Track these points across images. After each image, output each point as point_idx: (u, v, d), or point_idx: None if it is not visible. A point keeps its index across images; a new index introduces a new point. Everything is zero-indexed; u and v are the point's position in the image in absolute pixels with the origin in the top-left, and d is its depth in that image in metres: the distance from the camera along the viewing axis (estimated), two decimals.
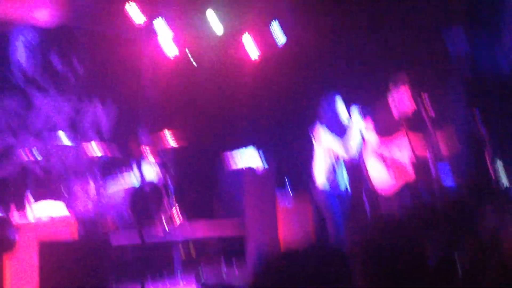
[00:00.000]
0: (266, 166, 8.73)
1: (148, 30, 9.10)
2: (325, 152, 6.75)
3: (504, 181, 4.96)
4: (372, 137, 6.97)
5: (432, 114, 6.73)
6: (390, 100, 7.07)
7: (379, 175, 7.00)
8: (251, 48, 9.74)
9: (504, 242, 1.82)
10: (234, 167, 8.79)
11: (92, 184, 7.82)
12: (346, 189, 6.81)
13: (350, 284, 2.73)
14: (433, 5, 9.30)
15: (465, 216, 3.39)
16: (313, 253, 2.44)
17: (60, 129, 8.44)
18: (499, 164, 5.74)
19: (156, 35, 8.96)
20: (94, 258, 5.91)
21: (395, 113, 7.03)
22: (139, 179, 7.78)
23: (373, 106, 7.24)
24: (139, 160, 8.15)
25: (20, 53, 8.38)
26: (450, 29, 8.96)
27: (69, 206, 7.56)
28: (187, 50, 9.48)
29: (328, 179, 6.73)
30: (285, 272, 2.23)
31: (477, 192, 3.69)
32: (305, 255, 2.38)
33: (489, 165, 7.29)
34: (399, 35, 9.56)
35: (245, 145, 9.34)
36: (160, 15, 8.83)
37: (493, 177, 5.86)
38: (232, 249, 8.23)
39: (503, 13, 8.13)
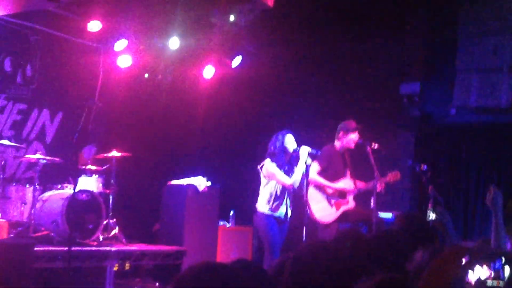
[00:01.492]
0: (210, 185, 8.69)
1: (103, 39, 9.01)
2: (270, 181, 6.83)
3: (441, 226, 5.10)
4: (316, 170, 7.14)
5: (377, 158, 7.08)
6: (339, 140, 7.35)
7: (320, 206, 7.19)
8: (207, 67, 9.70)
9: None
10: (177, 183, 8.71)
11: (28, 189, 7.65)
12: (286, 216, 6.89)
13: None
14: (391, 57, 9.58)
15: (396, 252, 3.44)
16: (236, 271, 2.40)
17: (1, 130, 8.26)
18: (437, 210, 5.91)
19: (112, 45, 8.84)
20: (17, 261, 5.78)
21: (342, 153, 7.33)
22: (78, 187, 7.65)
23: (322, 143, 7.46)
24: (80, 169, 8.03)
25: None
26: (406, 81, 9.26)
27: (2, 208, 7.38)
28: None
29: (270, 205, 6.80)
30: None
31: (411, 231, 3.74)
32: (228, 271, 2.33)
33: (429, 207, 7.51)
34: (358, 84, 9.83)
35: (191, 167, 9.33)
36: (116, 25, 8.72)
37: (429, 221, 6.00)
38: (168, 264, 8.13)
39: (454, 68, 8.39)
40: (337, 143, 7.42)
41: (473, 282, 1.75)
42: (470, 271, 1.75)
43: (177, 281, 2.15)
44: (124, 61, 9.01)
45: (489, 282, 1.76)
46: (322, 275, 2.48)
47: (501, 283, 1.75)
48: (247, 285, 2.24)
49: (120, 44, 8.75)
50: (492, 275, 1.76)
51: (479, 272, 1.76)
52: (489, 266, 1.77)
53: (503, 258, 1.82)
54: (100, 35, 8.75)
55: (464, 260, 1.77)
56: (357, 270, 3.02)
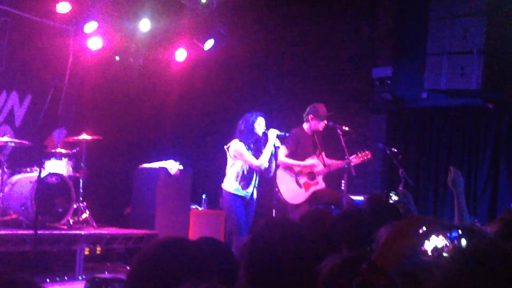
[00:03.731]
0: (182, 168, 8.66)
1: (73, 20, 8.88)
2: (236, 161, 6.81)
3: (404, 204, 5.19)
4: (284, 153, 7.17)
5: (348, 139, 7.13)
6: (308, 123, 7.37)
7: (289, 187, 7.20)
8: (179, 50, 9.63)
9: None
10: (149, 166, 8.65)
11: None
12: (252, 196, 6.87)
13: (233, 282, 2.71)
14: (362, 41, 9.61)
15: (361, 230, 3.46)
16: (200, 247, 2.38)
17: None
18: (399, 192, 5.99)
19: (82, 27, 8.72)
20: None
21: (311, 135, 7.35)
22: (47, 170, 7.57)
23: (293, 125, 7.47)
24: (49, 151, 7.93)
25: None
26: (377, 65, 9.30)
27: None
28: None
29: (236, 185, 6.78)
30: (166, 264, 2.16)
31: (375, 211, 3.76)
32: (191, 246, 2.30)
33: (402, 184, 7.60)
34: (330, 67, 9.86)
35: (163, 150, 9.28)
36: (86, 7, 8.60)
37: (395, 200, 6.09)
38: (140, 248, 8.09)
39: (425, 51, 8.43)
40: (305, 125, 7.44)
41: (429, 251, 1.76)
42: (426, 240, 1.76)
43: (142, 254, 2.15)
44: (95, 44, 8.91)
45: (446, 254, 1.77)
46: (283, 254, 2.46)
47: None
48: (209, 262, 2.23)
49: (90, 26, 8.65)
50: (448, 245, 1.77)
51: (435, 241, 1.76)
52: (445, 236, 1.78)
53: (460, 230, 1.83)
54: (69, 16, 8.62)
55: (420, 230, 1.78)
56: (321, 249, 3.02)
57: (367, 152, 7.39)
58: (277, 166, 7.07)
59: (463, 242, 1.80)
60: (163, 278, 2.06)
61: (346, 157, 7.18)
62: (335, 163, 7.41)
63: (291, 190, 7.28)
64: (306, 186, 7.30)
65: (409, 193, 5.61)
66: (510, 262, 1.42)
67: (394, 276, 1.75)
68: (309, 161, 7.33)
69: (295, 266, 2.43)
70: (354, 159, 7.27)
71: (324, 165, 7.36)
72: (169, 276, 2.05)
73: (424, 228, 1.77)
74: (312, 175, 7.35)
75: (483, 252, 1.45)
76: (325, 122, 7.34)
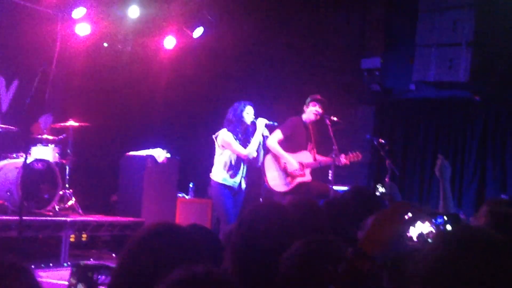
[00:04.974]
0: (169, 156, 8.64)
1: (61, 5, 8.80)
2: (224, 150, 6.80)
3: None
4: (277, 138, 7.18)
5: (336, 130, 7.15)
6: (304, 113, 7.38)
7: (276, 175, 7.21)
8: (168, 38, 9.58)
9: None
10: (136, 154, 8.62)
11: None
12: (240, 186, 6.87)
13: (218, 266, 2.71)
14: (352, 31, 9.62)
15: (346, 220, 3.47)
16: (190, 233, 2.37)
17: None
18: (385, 183, 6.03)
19: (70, 12, 8.65)
20: None
21: (307, 126, 7.36)
22: (33, 156, 7.52)
23: (281, 115, 7.47)
24: (35, 137, 7.88)
25: None
26: (366, 56, 9.31)
27: None
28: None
29: (224, 174, 6.77)
30: (158, 250, 2.16)
31: (359, 201, 3.77)
32: (182, 232, 2.30)
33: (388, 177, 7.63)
34: (318, 57, 9.86)
35: (151, 138, 9.25)
36: None
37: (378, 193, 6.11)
38: (126, 235, 8.07)
39: (414, 43, 8.44)
40: (304, 116, 7.45)
41: (415, 237, 1.76)
42: (411, 227, 1.76)
43: (133, 240, 2.14)
44: (83, 29, 8.85)
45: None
46: (267, 234, 2.46)
47: None
48: (199, 247, 2.23)
49: (79, 12, 8.58)
50: (434, 231, 1.78)
51: (421, 227, 1.77)
52: (430, 222, 1.78)
53: (445, 217, 1.84)
54: (57, 1, 8.55)
55: (406, 217, 1.78)
56: (306, 232, 3.02)
57: (357, 153, 7.38)
58: (267, 151, 7.07)
59: (448, 228, 1.81)
60: (155, 264, 2.05)
61: (334, 147, 7.18)
62: (324, 159, 7.41)
63: (277, 177, 7.29)
64: (292, 176, 7.31)
65: (395, 185, 5.64)
66: (497, 247, 1.42)
67: (379, 262, 1.75)
68: (300, 156, 7.33)
69: (279, 246, 2.44)
70: (343, 159, 7.26)
71: (315, 158, 7.37)
72: (161, 262, 2.05)
73: (410, 215, 1.78)
74: (300, 167, 7.34)
75: (469, 236, 1.45)
76: (318, 108, 7.32)
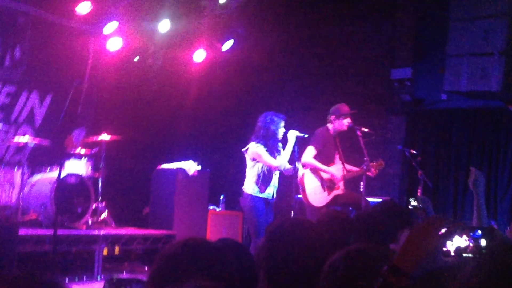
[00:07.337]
0: (200, 169, 8.67)
1: (92, 21, 8.92)
2: (256, 163, 6.81)
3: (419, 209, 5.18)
4: (312, 154, 7.15)
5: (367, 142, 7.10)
6: (331, 124, 7.30)
7: (314, 190, 7.17)
8: (198, 51, 9.64)
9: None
10: (167, 167, 8.68)
11: (17, 172, 7.61)
12: (273, 197, 6.87)
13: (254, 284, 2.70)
14: (382, 41, 9.58)
15: (377, 233, 3.44)
16: (220, 248, 2.38)
17: None
18: (418, 197, 5.97)
19: (101, 28, 8.76)
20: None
21: (334, 137, 7.29)
22: (67, 170, 7.61)
23: (311, 127, 7.43)
24: (68, 151, 7.98)
25: None
26: (396, 66, 9.25)
27: None
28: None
29: (257, 187, 6.79)
30: (185, 264, 2.17)
31: (390, 214, 3.74)
32: (211, 248, 2.31)
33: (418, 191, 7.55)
34: (348, 68, 9.83)
35: (181, 151, 9.30)
36: (106, 7, 8.64)
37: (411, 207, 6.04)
38: (158, 248, 8.11)
39: (445, 52, 8.38)
40: (329, 126, 7.34)
41: (452, 252, 1.74)
42: (448, 241, 1.74)
43: (162, 254, 2.15)
44: (114, 44, 8.96)
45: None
46: (298, 252, 2.45)
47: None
48: (229, 263, 2.23)
49: (110, 27, 8.69)
50: (471, 245, 1.75)
51: (458, 242, 1.74)
52: (468, 236, 1.76)
53: (479, 231, 1.81)
54: (89, 17, 8.66)
55: (442, 231, 1.76)
56: (338, 248, 3.00)
57: (380, 161, 7.30)
58: (304, 166, 7.05)
59: (483, 242, 1.78)
60: (183, 280, 2.05)
61: (365, 158, 7.10)
62: (354, 170, 7.35)
63: (317, 192, 7.19)
64: (329, 190, 7.25)
65: (429, 199, 5.56)
66: None
67: (415, 278, 1.73)
68: (333, 169, 7.26)
69: (311, 264, 2.43)
70: (372, 171, 7.17)
71: (344, 172, 7.30)
72: (189, 277, 2.05)
73: (445, 229, 1.75)
74: (334, 180, 7.28)
75: (506, 252, 1.43)
76: (349, 120, 7.25)
